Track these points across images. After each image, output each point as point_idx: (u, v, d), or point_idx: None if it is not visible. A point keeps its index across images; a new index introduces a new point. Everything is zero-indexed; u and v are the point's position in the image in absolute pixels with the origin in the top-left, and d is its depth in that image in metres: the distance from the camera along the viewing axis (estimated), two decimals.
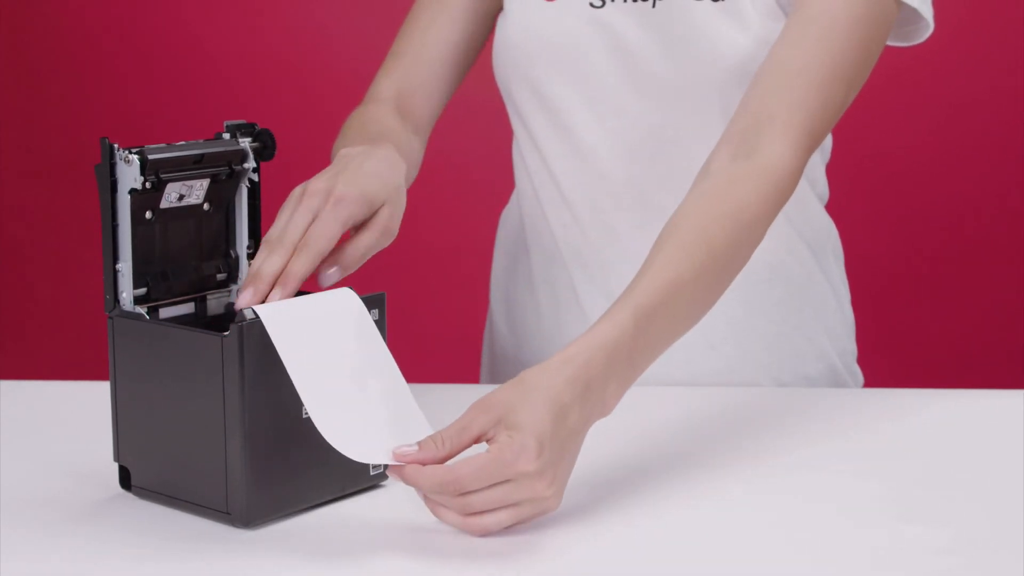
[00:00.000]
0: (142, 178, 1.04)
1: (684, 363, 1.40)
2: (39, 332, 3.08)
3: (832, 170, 1.49)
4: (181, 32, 2.90)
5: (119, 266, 1.06)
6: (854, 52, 1.23)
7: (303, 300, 1.05)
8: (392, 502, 1.07)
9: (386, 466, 1.00)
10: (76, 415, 1.30)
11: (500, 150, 1.51)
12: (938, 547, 0.99)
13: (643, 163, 1.39)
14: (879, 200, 2.78)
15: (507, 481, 0.98)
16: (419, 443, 1.00)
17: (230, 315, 1.13)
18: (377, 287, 1.10)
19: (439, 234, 2.84)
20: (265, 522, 1.03)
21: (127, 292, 1.06)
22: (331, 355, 1.03)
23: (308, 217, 1.10)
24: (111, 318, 1.07)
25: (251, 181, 1.13)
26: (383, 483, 1.10)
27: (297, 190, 1.13)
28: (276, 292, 1.06)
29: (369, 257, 1.15)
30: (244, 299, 1.06)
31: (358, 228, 1.14)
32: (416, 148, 1.39)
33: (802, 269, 1.44)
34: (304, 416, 1.03)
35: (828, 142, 1.46)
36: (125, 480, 1.09)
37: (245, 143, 1.12)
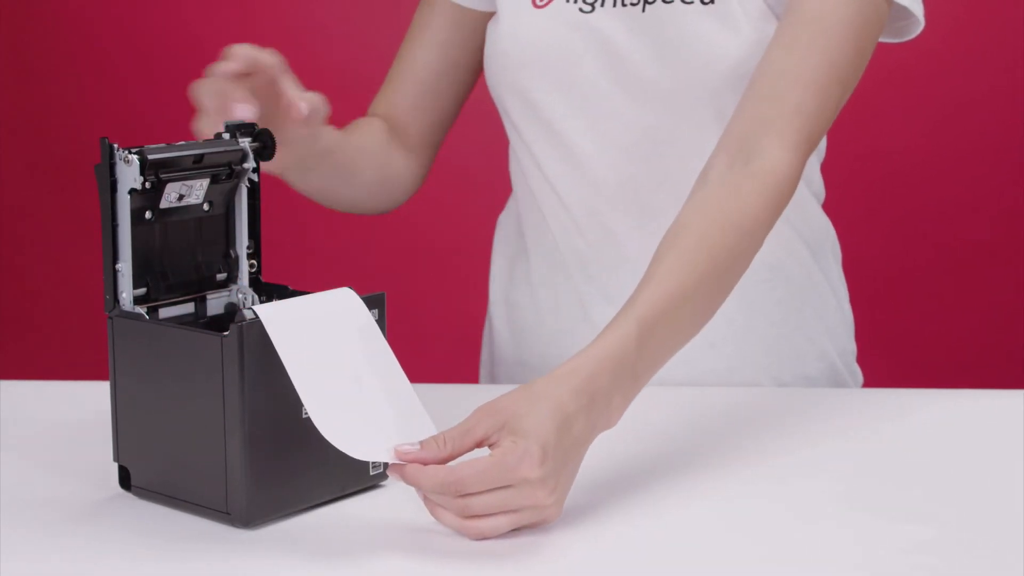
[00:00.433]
0: (142, 178, 1.04)
1: (684, 363, 1.40)
2: (39, 332, 3.08)
3: (830, 170, 1.49)
4: (181, 32, 2.90)
5: (119, 266, 1.06)
6: (848, 54, 1.23)
7: (303, 300, 1.05)
8: (392, 502, 1.07)
9: (386, 465, 1.00)
10: (76, 415, 1.30)
11: (500, 150, 1.51)
12: (938, 547, 0.99)
13: (638, 165, 1.39)
14: (877, 199, 2.78)
15: (508, 486, 0.98)
16: (421, 442, 1.00)
17: (230, 315, 1.13)
18: (377, 287, 1.10)
19: (439, 234, 2.85)
20: (265, 522, 1.03)
21: (127, 292, 1.06)
22: (331, 355, 1.03)
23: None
24: (111, 318, 1.07)
25: (251, 181, 1.13)
26: (383, 483, 1.10)
27: None
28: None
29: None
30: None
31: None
32: (376, 144, 1.44)
33: (801, 269, 1.44)
34: (304, 416, 1.03)
35: (822, 140, 1.46)
36: (125, 480, 1.09)
37: (245, 143, 1.12)
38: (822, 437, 1.23)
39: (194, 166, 1.08)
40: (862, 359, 1.53)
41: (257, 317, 1.00)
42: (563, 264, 1.44)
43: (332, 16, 2.84)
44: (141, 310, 1.06)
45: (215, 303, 1.14)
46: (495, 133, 1.50)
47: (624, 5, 1.36)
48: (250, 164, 1.12)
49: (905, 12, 1.32)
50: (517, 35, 1.40)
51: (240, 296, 1.14)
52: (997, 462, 1.17)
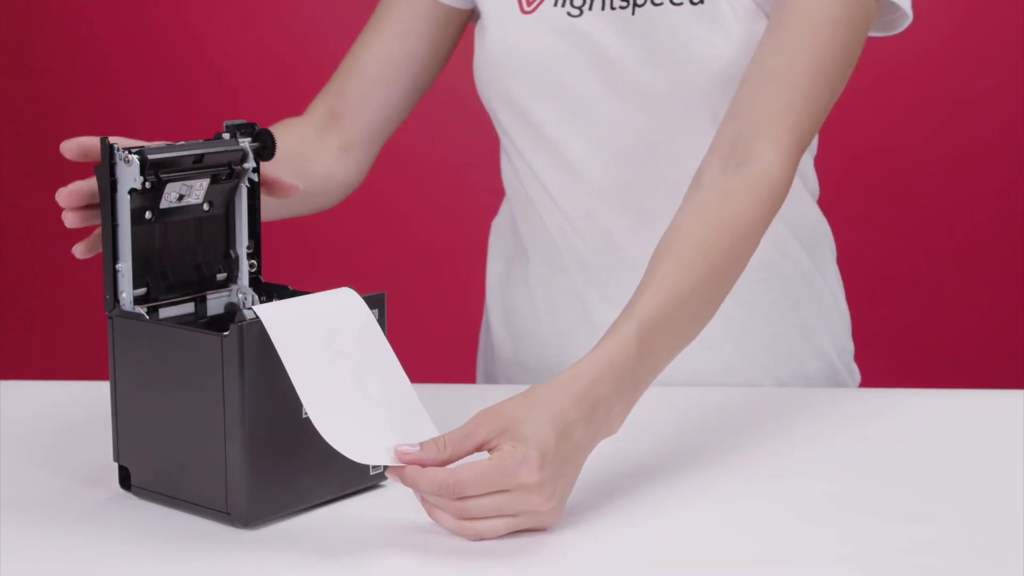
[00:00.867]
0: (142, 178, 1.04)
1: (683, 363, 1.39)
2: (39, 332, 3.08)
3: (827, 169, 1.49)
4: (181, 32, 2.90)
5: (119, 266, 1.06)
6: (837, 54, 1.24)
7: (303, 300, 1.05)
8: (392, 502, 1.07)
9: (386, 466, 1.00)
10: (76, 415, 1.30)
11: (497, 150, 1.51)
12: (937, 547, 0.99)
13: (633, 168, 1.39)
14: (876, 198, 2.78)
15: (506, 491, 0.98)
16: (421, 444, 1.00)
17: (230, 315, 1.13)
18: (376, 287, 1.10)
19: (437, 234, 2.84)
20: (265, 522, 1.03)
21: (127, 292, 1.06)
22: (331, 355, 1.03)
23: None
24: (111, 318, 1.07)
25: (251, 181, 1.13)
26: (383, 483, 1.10)
27: None
28: None
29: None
30: None
31: None
32: (296, 153, 1.37)
33: (798, 267, 1.44)
34: (304, 416, 1.03)
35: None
36: (125, 480, 1.09)
37: (245, 143, 1.12)
38: (821, 437, 1.24)
39: (194, 166, 1.09)
40: (860, 358, 1.53)
41: (257, 317, 1.00)
42: (563, 265, 1.44)
43: (332, 16, 2.84)
44: (141, 310, 1.06)
45: (215, 303, 1.14)
46: (493, 134, 1.50)
47: (613, 8, 1.35)
48: (250, 164, 1.12)
49: (892, 7, 1.32)
50: (505, 42, 1.39)
51: (240, 296, 1.14)
52: (996, 462, 1.17)
